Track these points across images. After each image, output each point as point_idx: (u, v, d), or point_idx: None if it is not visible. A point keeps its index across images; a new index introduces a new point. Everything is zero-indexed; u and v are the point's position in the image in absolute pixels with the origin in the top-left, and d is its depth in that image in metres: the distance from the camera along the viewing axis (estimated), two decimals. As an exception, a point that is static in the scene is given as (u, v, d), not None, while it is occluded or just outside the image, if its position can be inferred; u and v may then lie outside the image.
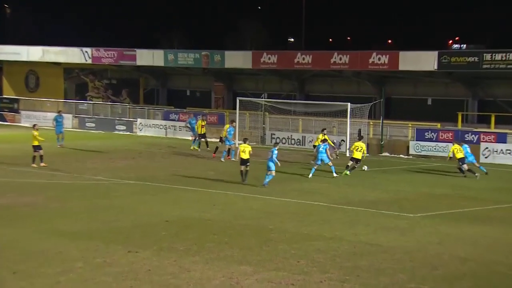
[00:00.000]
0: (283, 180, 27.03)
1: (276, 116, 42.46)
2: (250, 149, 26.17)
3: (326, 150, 28.12)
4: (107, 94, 56.79)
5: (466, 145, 30.48)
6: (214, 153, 33.45)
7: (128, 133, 47.91)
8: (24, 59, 56.17)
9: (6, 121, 53.85)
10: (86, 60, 53.21)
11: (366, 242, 17.21)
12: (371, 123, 40.45)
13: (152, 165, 31.31)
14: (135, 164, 31.67)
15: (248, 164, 25.92)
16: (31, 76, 59.37)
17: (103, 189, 24.42)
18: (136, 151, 36.79)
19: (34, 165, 28.95)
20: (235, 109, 42.78)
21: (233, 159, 32.24)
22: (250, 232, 18.10)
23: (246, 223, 19.24)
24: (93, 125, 49.53)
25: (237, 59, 46.98)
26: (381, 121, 39.21)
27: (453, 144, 30.88)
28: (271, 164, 24.88)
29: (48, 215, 19.61)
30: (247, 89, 49.91)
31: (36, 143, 29.38)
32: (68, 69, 57.29)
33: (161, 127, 47.14)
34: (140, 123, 48.05)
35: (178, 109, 48.87)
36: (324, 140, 29.32)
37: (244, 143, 26.70)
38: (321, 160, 28.06)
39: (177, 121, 47.13)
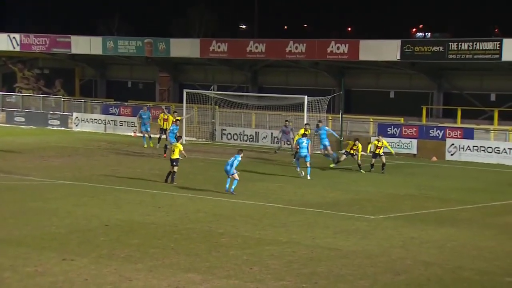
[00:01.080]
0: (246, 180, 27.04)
1: (227, 110, 42.51)
2: (180, 148, 26.21)
3: (308, 145, 28.38)
4: (39, 85, 55.91)
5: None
6: (165, 154, 33.23)
7: (62, 128, 47.27)
8: None
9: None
10: (14, 48, 52.24)
11: (325, 246, 17.38)
12: (330, 118, 40.85)
13: (90, 164, 30.96)
14: (71, 162, 31.27)
15: (175, 164, 25.95)
16: None
17: (35, 191, 24.03)
18: (72, 148, 36.32)
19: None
20: (181, 102, 42.65)
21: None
22: (198, 236, 18.07)
23: (194, 226, 19.21)
24: (23, 119, 48.67)
25: (183, 48, 46.83)
26: (340, 115, 39.63)
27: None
28: (230, 168, 23.95)
29: (27, 215, 19.19)
30: (195, 80, 49.81)
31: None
32: (-6, 57, 56.16)
33: (99, 122, 46.65)
34: (76, 117, 47.46)
35: (118, 102, 48.47)
36: (304, 135, 30.19)
37: (177, 141, 26.75)
38: (300, 156, 28.48)
39: (118, 115, 46.74)
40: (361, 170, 30.66)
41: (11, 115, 49.19)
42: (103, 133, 45.72)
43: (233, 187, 24.02)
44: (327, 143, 32.40)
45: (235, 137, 41.35)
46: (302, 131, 32.21)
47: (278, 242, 17.63)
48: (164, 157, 32.26)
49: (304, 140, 28.85)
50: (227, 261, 15.75)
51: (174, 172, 25.96)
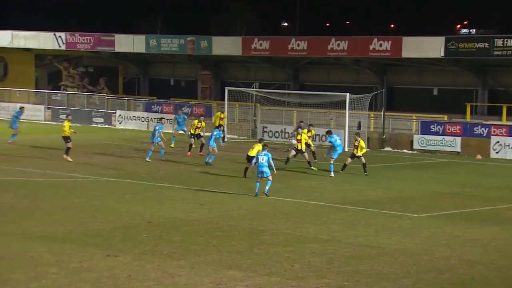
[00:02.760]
0: (276, 178, 27.07)
1: (268, 108, 42.50)
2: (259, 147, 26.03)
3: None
4: (83, 83, 56.60)
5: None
6: (201, 151, 33.35)
7: (106, 126, 47.80)
8: (-9, 44, 55.90)
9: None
10: (60, 46, 53.00)
11: (367, 244, 17.28)
12: (372, 115, 40.56)
13: (133, 161, 31.27)
14: (115, 160, 31.63)
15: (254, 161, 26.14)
16: (-1, 64, 59.12)
17: (79, 187, 24.39)
18: (115, 146, 36.74)
19: (68, 158, 30.25)
20: (223, 100, 42.79)
21: (147, 159, 31.77)
22: (240, 234, 18.13)
23: (236, 224, 19.26)
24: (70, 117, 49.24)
25: (225, 46, 46.97)
26: (382, 113, 39.31)
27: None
28: (266, 169, 22.90)
29: (18, 216, 19.56)
30: (237, 78, 49.91)
31: (66, 134, 30.95)
32: (40, 56, 57.05)
33: (142, 119, 47.08)
34: (120, 115, 47.96)
35: (161, 100, 48.82)
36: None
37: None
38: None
39: (160, 113, 47.06)
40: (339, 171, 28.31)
41: (56, 113, 49.89)
42: (146, 131, 45.99)
43: (266, 188, 22.91)
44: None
45: (276, 134, 41.33)
46: (308, 133, 30.60)
47: (320, 240, 17.59)
48: (200, 155, 32.43)
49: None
50: (269, 259, 15.76)
51: (247, 168, 26.17)
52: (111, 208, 20.93)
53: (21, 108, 38.75)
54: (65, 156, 30.33)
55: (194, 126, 34.79)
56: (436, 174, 29.85)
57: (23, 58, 56.86)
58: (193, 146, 33.99)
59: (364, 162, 28.36)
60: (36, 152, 33.02)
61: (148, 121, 46.78)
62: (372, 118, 40.46)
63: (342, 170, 28.41)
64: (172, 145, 35.21)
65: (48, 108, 51.40)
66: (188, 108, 40.59)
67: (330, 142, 28.67)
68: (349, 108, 37.43)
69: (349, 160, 28.69)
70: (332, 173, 27.69)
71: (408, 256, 16.24)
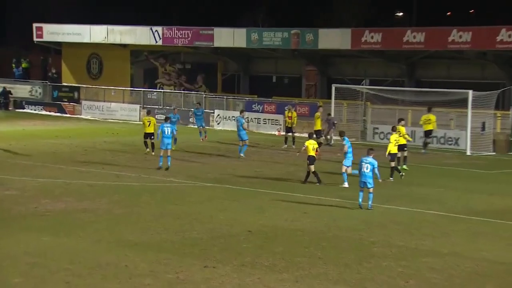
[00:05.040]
0: (388, 184, 26.71)
1: (379, 107, 42.01)
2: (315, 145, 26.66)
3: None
4: (180, 80, 57.59)
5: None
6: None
7: (205, 127, 48.50)
8: (86, 40, 57.73)
9: (66, 113, 55.56)
10: (156, 41, 54.04)
11: (493, 259, 16.78)
12: (499, 115, 39.35)
13: (232, 165, 31.63)
14: (213, 163, 32.09)
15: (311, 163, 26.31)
16: (94, 61, 60.89)
17: (175, 193, 24.89)
18: (213, 148, 37.28)
19: (152, 152, 32.70)
20: (330, 98, 42.64)
21: (242, 155, 33.19)
22: (348, 245, 18.01)
23: (343, 234, 19.15)
24: (163, 117, 50.37)
25: (333, 39, 46.75)
26: (511, 112, 38.06)
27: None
28: (370, 180, 22.15)
29: (111, 223, 20.16)
30: (345, 74, 49.62)
31: (151, 130, 33.06)
32: (136, 52, 58.39)
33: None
34: (218, 115, 48.65)
35: (262, 99, 49.16)
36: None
37: (310, 138, 27.17)
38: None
39: (261, 112, 47.45)
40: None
41: (151, 113, 51.01)
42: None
43: (369, 203, 22.19)
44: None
45: (388, 136, 40.68)
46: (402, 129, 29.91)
47: (438, 254, 17.21)
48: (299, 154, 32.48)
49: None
50: (380, 273, 15.56)
51: (311, 172, 26.22)
52: (209, 215, 21.23)
53: (197, 105, 40.13)
54: (153, 153, 32.53)
55: (286, 117, 35.39)
56: None
57: (119, 54, 58.39)
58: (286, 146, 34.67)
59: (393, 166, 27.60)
60: (130, 155, 33.96)
61: (248, 121, 47.19)
62: (499, 118, 39.25)
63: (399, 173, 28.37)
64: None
65: (144, 108, 52.56)
66: (291, 107, 40.69)
67: (345, 145, 27.00)
68: (472, 106, 36.46)
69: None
70: (345, 183, 26.11)
71: (540, 275, 15.65)
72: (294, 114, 39.06)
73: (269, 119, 46.62)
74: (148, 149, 33.56)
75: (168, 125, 30.03)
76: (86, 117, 53.39)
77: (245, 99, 50.19)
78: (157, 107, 51.69)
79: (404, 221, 20.85)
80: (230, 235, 18.90)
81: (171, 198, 23.81)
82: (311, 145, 26.65)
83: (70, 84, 59.20)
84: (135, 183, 26.61)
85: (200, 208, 22.28)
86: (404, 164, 30.09)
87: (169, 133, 29.53)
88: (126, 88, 56.23)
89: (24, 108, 57.71)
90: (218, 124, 48.26)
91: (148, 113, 35.79)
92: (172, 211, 21.83)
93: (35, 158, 32.06)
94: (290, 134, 37.96)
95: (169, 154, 29.24)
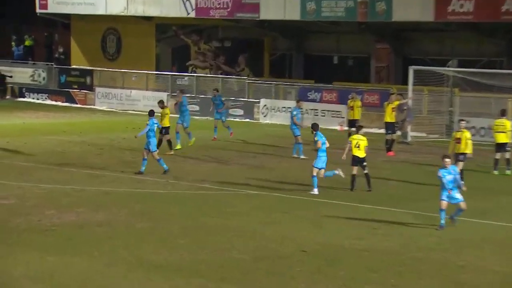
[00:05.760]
0: (481, 192, 26.48)
1: (470, 95, 41.59)
2: (365, 143, 26.56)
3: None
4: (217, 62, 57.69)
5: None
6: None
7: (247, 120, 48.69)
8: (101, 12, 58.12)
9: (76, 103, 56.11)
10: (188, 13, 54.18)
11: None
12: None
13: (282, 167, 31.71)
14: (258, 165, 32.16)
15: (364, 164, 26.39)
16: (111, 37, 61.35)
17: (211, 202, 24.99)
18: (258, 147, 37.33)
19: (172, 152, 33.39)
20: (406, 83, 42.36)
21: (302, 156, 33.36)
22: (430, 270, 17.90)
23: (424, 256, 19.06)
24: (197, 108, 50.68)
25: (411, 8, 46.34)
26: None
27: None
28: (458, 195, 21.91)
29: (132, 239, 20.31)
30: (426, 53, 49.23)
31: (166, 123, 33.30)
32: (162, 26, 58.68)
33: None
34: (265, 105, 48.70)
35: (320, 85, 49.07)
36: None
37: (358, 132, 27.15)
38: None
39: (319, 102, 47.40)
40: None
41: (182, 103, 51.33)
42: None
43: (455, 218, 22.12)
44: None
45: (482, 132, 40.31)
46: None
47: (544, 283, 17.02)
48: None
49: None
50: (470, 307, 15.44)
51: (366, 174, 26.40)
52: (253, 230, 21.27)
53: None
54: (172, 151, 33.28)
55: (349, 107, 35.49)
56: None
57: (141, 30, 58.62)
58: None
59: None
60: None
61: (302, 114, 47.11)
62: None
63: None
64: (185, 144, 35.58)
65: (172, 96, 52.76)
66: (356, 95, 40.46)
67: (319, 141, 26.83)
68: None
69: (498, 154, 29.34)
70: (315, 189, 26.35)
71: None
72: (358, 103, 38.96)
73: (328, 111, 46.52)
74: (175, 147, 33.75)
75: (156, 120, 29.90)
76: (101, 108, 53.91)
77: (299, 85, 50.13)
78: (188, 95, 51.80)
79: (503, 240, 20.65)
80: (279, 256, 18.90)
81: (205, 209, 23.91)
82: (355, 141, 26.52)
83: (81, 67, 59.65)
84: (161, 190, 26.79)
85: (242, 222, 22.33)
86: (508, 169, 29.99)
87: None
88: (151, 72, 56.52)
89: (24, 97, 58.46)
90: (264, 116, 48.28)
91: (162, 103, 34.67)
92: (207, 225, 21.91)
93: (38, 158, 32.47)
94: (354, 129, 37.70)
95: (157, 157, 29.27)
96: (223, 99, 41.05)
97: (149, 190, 26.59)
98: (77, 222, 21.99)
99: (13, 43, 64.74)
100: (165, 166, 29.07)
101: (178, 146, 34.86)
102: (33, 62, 62.30)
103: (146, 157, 29.08)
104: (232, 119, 48.84)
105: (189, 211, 23.61)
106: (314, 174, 26.49)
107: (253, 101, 49.28)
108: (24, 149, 34.67)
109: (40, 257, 18.45)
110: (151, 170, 29.36)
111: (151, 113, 30.15)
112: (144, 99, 53.56)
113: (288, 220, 22.69)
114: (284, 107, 47.74)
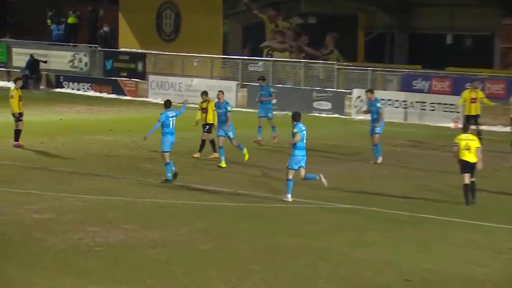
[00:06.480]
0: None
1: None
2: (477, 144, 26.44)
3: None
4: (299, 43, 57.76)
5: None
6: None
7: (335, 115, 48.75)
8: (155, -17, 58.77)
9: (124, 94, 56.63)
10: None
11: None
12: None
13: (378, 175, 31.80)
14: (347, 172, 32.24)
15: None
16: (168, 13, 61.82)
17: (289, 218, 25.02)
18: (349, 149, 37.28)
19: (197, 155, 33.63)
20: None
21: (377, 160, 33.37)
22: None
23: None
24: (274, 101, 50.73)
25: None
26: None
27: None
28: None
29: (194, 263, 20.42)
30: None
31: (210, 119, 33.68)
32: (231, 0, 58.95)
33: (396, 104, 47.41)
34: (358, 97, 48.62)
35: (429, 71, 48.84)
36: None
37: (466, 131, 26.93)
38: None
39: (427, 93, 47.18)
40: None
41: (255, 93, 51.48)
42: (401, 123, 46.35)
43: None
44: None
45: None
46: None
47: None
48: None
49: None
50: None
51: (472, 182, 26.40)
52: (343, 254, 21.24)
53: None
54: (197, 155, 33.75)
55: (467, 99, 35.13)
56: None
57: (205, 3, 58.94)
58: None
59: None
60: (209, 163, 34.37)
61: (405, 107, 47.02)
62: None
63: None
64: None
65: (242, 86, 53.03)
66: (478, 83, 40.06)
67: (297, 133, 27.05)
68: None
69: None
70: (288, 195, 26.90)
71: None
72: (480, 94, 38.63)
73: (439, 103, 46.30)
74: (216, 154, 33.66)
75: (173, 113, 29.95)
76: (155, 101, 54.34)
77: (402, 71, 49.90)
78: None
79: None
80: (376, 286, 18.88)
81: (282, 226, 23.96)
82: (464, 143, 26.34)
83: (131, 50, 60.13)
84: (230, 202, 26.93)
85: (328, 242, 22.33)
86: None
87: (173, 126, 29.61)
88: (216, 56, 56.80)
89: (61, 87, 59.24)
90: (358, 110, 48.10)
91: (206, 94, 34.61)
92: (285, 245, 21.95)
93: (78, 163, 32.89)
94: (475, 127, 37.21)
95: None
96: (272, 90, 40.59)
97: (214, 203, 26.74)
98: (125, 241, 22.17)
99: (49, 21, 65.30)
100: (169, 175, 29.28)
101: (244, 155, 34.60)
102: (73, 44, 62.72)
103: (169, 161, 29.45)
104: (316, 114, 48.92)
105: (263, 229, 23.67)
106: (290, 177, 26.84)
107: (343, 92, 49.28)
108: (62, 152, 35.14)
109: (81, 284, 18.66)
110: (215, 178, 29.57)
111: (167, 104, 30.30)
112: (208, 89, 53.46)
113: (387, 241, 22.61)
114: (383, 99, 47.53)
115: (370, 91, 35.87)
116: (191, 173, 31.07)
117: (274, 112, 41.34)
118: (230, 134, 32.79)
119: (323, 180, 27.10)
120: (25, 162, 32.76)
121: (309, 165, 33.14)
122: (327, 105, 49.49)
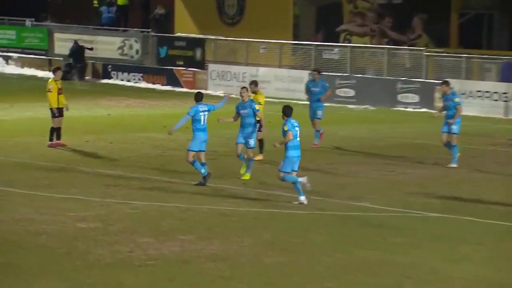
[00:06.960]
0: None
1: None
2: None
3: None
4: (382, 26, 57.69)
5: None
6: None
7: (423, 109, 48.60)
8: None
9: (181, 86, 56.85)
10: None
11: None
12: None
13: (476, 178, 31.72)
14: (438, 177, 32.26)
15: None
16: (227, -5, 62.07)
17: (369, 228, 25.02)
18: (440, 149, 37.22)
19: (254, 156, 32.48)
20: None
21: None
22: None
23: None
24: (352, 93, 50.78)
25: None
26: None
27: None
28: None
29: (260, 280, 20.51)
30: None
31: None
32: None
33: (495, 97, 47.18)
34: (451, 89, 48.32)
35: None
36: None
37: None
38: None
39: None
40: None
41: (333, 83, 51.53)
42: (501, 119, 46.14)
43: None
44: None
45: None
46: None
47: None
48: None
49: None
50: None
51: None
52: (433, 270, 21.23)
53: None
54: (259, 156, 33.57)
55: None
56: None
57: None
58: None
59: None
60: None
61: (506, 100, 46.78)
62: None
63: None
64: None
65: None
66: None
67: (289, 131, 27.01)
68: None
69: None
70: (301, 197, 27.18)
71: None
72: None
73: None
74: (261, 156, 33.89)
75: (205, 107, 29.93)
76: (216, 93, 54.44)
77: (503, 59, 49.62)
78: (338, 74, 51.90)
79: None
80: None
81: (361, 237, 24.03)
82: None
83: (188, 35, 60.35)
84: (302, 210, 26.98)
85: (416, 257, 22.32)
86: None
87: (205, 122, 29.71)
88: (286, 41, 56.86)
89: (109, 78, 59.61)
90: (436, 112, 47.92)
91: (255, 84, 34.65)
92: (365, 260, 21.97)
93: (128, 164, 33.22)
94: None
95: (203, 159, 29.62)
96: (328, 85, 39.67)
97: (283, 211, 26.81)
98: (181, 254, 22.34)
99: (95, 2, 65.65)
100: (203, 170, 29.56)
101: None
102: (123, 28, 63.05)
103: (196, 160, 29.71)
104: (401, 108, 48.83)
105: (339, 241, 23.72)
106: (281, 176, 27.24)
107: (433, 83, 49.06)
108: (110, 152, 35.48)
109: (131, 303, 18.91)
110: (281, 183, 29.73)
111: (198, 96, 30.73)
112: (276, 80, 53.97)
113: (485, 256, 22.58)
114: (479, 91, 47.45)
115: (446, 83, 35.66)
116: (254, 177, 31.14)
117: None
118: (251, 142, 31.23)
119: (307, 183, 27.16)
120: (68, 163, 33.11)
121: (393, 168, 33.18)
122: (413, 97, 49.36)
